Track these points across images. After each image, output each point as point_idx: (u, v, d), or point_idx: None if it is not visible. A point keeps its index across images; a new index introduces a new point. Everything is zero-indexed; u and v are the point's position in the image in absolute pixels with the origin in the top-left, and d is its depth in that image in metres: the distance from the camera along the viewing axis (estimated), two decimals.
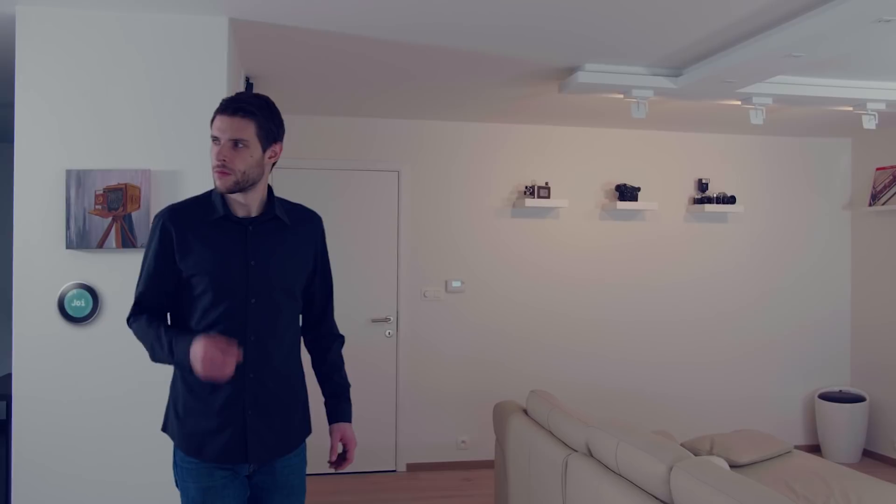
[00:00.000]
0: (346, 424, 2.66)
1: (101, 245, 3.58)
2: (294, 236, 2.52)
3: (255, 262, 2.42)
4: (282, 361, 2.49)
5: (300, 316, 2.65)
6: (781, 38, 3.76)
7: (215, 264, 2.39)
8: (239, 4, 3.58)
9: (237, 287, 2.40)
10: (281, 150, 2.44)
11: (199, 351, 2.21)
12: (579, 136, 6.79)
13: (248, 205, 2.43)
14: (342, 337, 2.78)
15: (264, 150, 2.36)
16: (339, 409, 2.67)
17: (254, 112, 2.32)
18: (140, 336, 2.44)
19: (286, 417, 2.52)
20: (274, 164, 2.47)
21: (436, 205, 6.55)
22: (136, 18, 3.66)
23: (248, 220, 2.44)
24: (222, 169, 2.31)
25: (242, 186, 2.36)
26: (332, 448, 2.65)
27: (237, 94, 2.39)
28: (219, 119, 2.33)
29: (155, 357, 2.40)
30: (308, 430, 2.64)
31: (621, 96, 4.93)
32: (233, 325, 2.39)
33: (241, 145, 2.31)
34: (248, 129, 2.31)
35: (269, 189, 2.51)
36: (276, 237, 2.47)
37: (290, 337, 2.54)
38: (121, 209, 3.59)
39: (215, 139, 2.33)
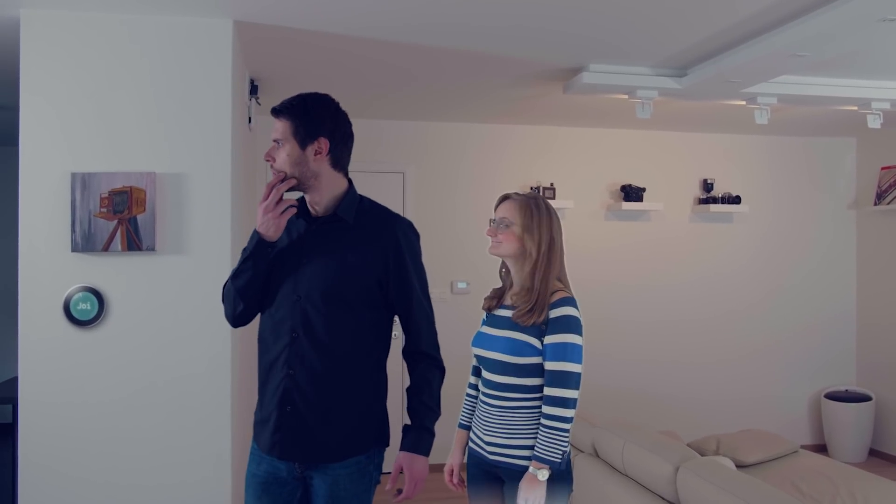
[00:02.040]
0: (408, 454, 2.46)
1: (106, 248, 3.58)
2: (358, 240, 2.45)
3: (307, 261, 2.44)
4: (324, 366, 2.41)
5: (377, 326, 2.50)
6: (786, 37, 3.76)
7: (278, 257, 2.47)
8: (243, 7, 3.58)
9: (288, 283, 2.45)
10: (328, 144, 2.41)
11: (259, 206, 2.38)
12: (584, 137, 6.79)
13: (316, 203, 2.47)
14: (433, 358, 2.52)
15: (303, 148, 2.39)
16: (407, 436, 2.49)
17: (284, 111, 2.40)
18: (227, 289, 2.54)
19: (327, 424, 2.41)
20: (337, 160, 2.45)
21: (441, 206, 6.55)
22: (140, 21, 3.67)
23: (315, 219, 2.49)
24: (272, 168, 2.42)
25: (294, 184, 2.41)
26: (391, 477, 2.50)
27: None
28: None
29: (240, 278, 2.46)
30: (366, 447, 2.47)
31: (626, 97, 4.92)
32: (280, 319, 2.45)
33: (279, 144, 2.40)
34: (283, 129, 2.39)
35: (349, 189, 2.50)
36: (337, 238, 2.46)
37: (343, 343, 2.42)
38: (126, 212, 3.59)
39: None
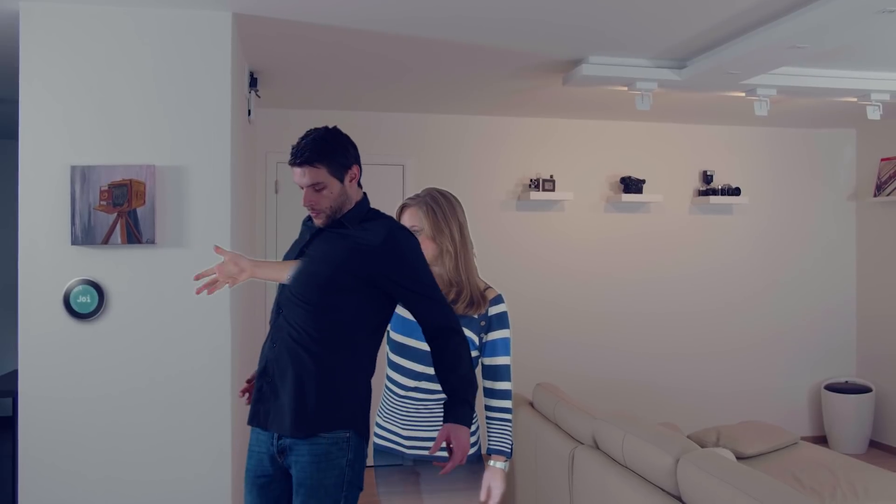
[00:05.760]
0: (451, 425, 2.47)
1: (106, 241, 3.58)
2: (348, 237, 2.59)
3: (309, 254, 2.62)
4: (293, 344, 2.52)
5: (351, 318, 2.57)
6: (785, 29, 3.75)
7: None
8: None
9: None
10: (359, 169, 2.62)
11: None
12: (584, 129, 6.78)
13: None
14: (448, 329, 2.56)
15: (342, 181, 2.57)
16: (448, 410, 2.53)
17: (317, 159, 2.51)
18: None
19: (290, 398, 2.50)
20: (359, 179, 2.64)
21: None
22: (140, 13, 3.66)
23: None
24: (313, 210, 2.58)
25: (335, 216, 2.58)
26: (435, 444, 2.51)
27: (299, 142, 2.55)
28: (292, 171, 2.56)
29: None
30: (326, 427, 2.50)
31: (625, 89, 4.92)
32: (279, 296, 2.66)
33: (319, 187, 2.53)
34: (320, 174, 2.51)
35: (360, 202, 2.65)
36: (333, 237, 2.61)
37: (313, 325, 2.52)
38: (126, 205, 3.59)
39: (300, 186, 2.57)
